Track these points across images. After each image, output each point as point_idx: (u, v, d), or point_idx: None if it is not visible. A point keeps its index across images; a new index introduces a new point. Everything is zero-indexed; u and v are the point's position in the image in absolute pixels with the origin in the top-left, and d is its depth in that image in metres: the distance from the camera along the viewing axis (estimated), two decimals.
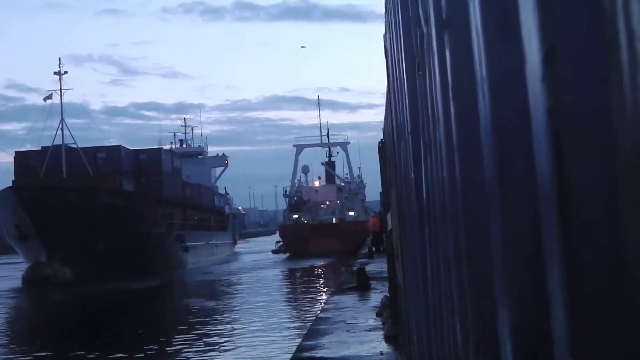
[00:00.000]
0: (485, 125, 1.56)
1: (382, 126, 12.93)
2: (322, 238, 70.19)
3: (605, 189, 0.94)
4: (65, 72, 57.46)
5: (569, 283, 1.03)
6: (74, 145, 56.15)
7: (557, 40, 1.04)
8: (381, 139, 13.42)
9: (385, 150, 11.81)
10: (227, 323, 24.82)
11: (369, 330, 12.98)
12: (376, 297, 17.72)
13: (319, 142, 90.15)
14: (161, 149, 66.26)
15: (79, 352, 19.65)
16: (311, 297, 32.34)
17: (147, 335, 22.52)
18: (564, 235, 1.03)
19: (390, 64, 6.96)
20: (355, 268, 26.06)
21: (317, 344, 11.85)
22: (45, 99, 56.75)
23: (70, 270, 45.19)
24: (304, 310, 26.57)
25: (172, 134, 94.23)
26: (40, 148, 56.57)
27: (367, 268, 24.13)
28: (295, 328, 21.61)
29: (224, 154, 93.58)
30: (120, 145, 59.28)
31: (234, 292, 38.53)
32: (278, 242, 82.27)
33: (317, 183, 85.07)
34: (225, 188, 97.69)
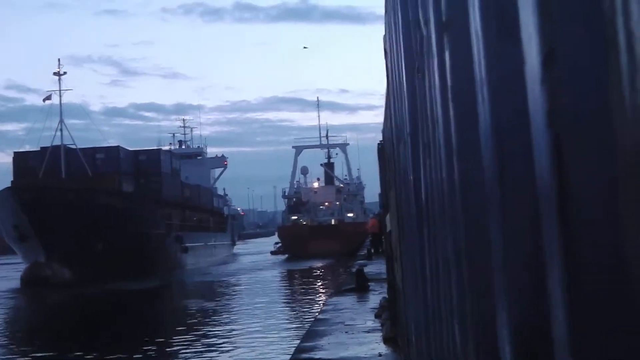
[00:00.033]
0: (485, 127, 1.56)
1: (382, 128, 12.94)
2: (321, 239, 70.16)
3: (605, 189, 0.95)
4: (65, 73, 57.52)
5: (569, 283, 1.03)
6: (73, 146, 56.15)
7: (556, 42, 1.05)
8: (380, 141, 13.43)
9: (384, 151, 11.82)
10: (226, 324, 24.81)
11: (368, 332, 12.98)
12: (375, 299, 17.72)
13: (318, 143, 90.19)
14: (160, 149, 66.25)
15: (78, 353, 19.63)
16: (310, 299, 32.33)
17: (146, 335, 22.50)
18: (564, 236, 1.04)
19: (389, 66, 6.96)
20: (354, 269, 26.06)
21: (315, 345, 11.85)
22: (44, 100, 56.77)
23: (69, 270, 45.17)
24: (303, 312, 26.56)
25: (172, 135, 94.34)
26: (39, 148, 56.55)
27: (366, 269, 24.14)
28: (293, 329, 21.60)
29: (223, 155, 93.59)
30: (119, 146, 59.27)
31: (233, 293, 38.51)
32: (277, 243, 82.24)
33: (316, 184, 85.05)
34: (224, 189, 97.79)
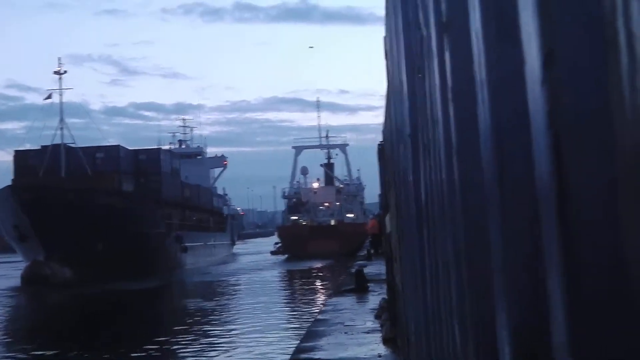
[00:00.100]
0: (485, 128, 1.56)
1: (382, 128, 12.94)
2: (320, 240, 70.19)
3: (605, 190, 0.95)
4: (65, 72, 57.54)
5: (568, 284, 1.03)
6: (73, 145, 56.18)
7: (556, 43, 1.05)
8: (380, 141, 13.43)
9: (384, 152, 11.82)
10: (226, 324, 24.82)
11: (367, 333, 12.98)
12: (374, 299, 17.73)
13: (318, 143, 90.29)
14: (160, 149, 66.26)
15: (78, 352, 19.64)
16: (309, 299, 32.34)
17: (146, 335, 22.51)
18: (564, 237, 1.04)
19: (390, 67, 6.97)
20: (353, 270, 26.06)
21: (315, 345, 11.85)
22: (45, 99, 56.81)
23: (69, 270, 45.18)
24: (302, 312, 26.57)
25: (171, 135, 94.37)
26: (39, 147, 56.59)
27: (366, 270, 24.15)
28: (293, 329, 21.61)
29: (222, 155, 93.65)
30: (119, 145, 59.29)
31: (233, 293, 38.52)
32: (277, 243, 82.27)
33: (316, 185, 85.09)
34: (224, 189, 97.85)
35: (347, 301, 18.70)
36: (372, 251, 39.39)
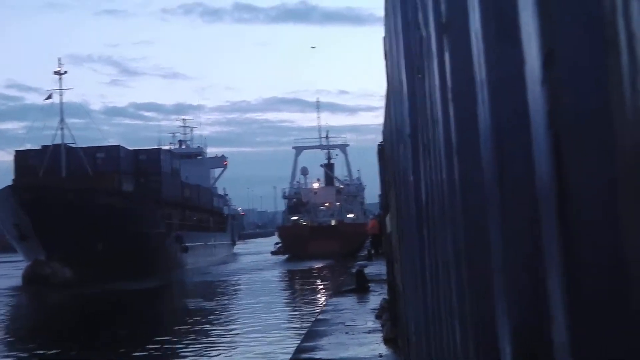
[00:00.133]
0: (485, 128, 1.56)
1: (381, 129, 12.94)
2: (320, 240, 70.18)
3: (605, 190, 0.95)
4: (65, 72, 57.59)
5: (568, 284, 1.03)
6: (74, 145, 56.20)
7: (556, 43, 1.05)
8: (380, 142, 13.44)
9: (384, 152, 11.82)
10: (226, 324, 24.82)
11: (368, 332, 12.98)
12: (375, 300, 17.73)
13: (318, 144, 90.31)
14: (160, 149, 66.26)
15: (78, 352, 19.65)
16: (310, 299, 32.34)
17: (146, 335, 22.51)
18: (564, 237, 1.04)
19: (389, 67, 6.97)
20: (354, 270, 26.06)
21: (315, 345, 11.85)
22: (45, 99, 56.83)
23: (69, 270, 45.20)
24: (303, 312, 26.57)
25: (172, 135, 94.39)
26: (40, 147, 56.61)
27: (366, 270, 24.15)
28: (294, 329, 21.61)
29: (223, 155, 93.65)
30: (119, 145, 59.30)
31: (233, 293, 38.53)
32: (277, 243, 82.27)
33: (316, 185, 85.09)
34: (224, 189, 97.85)
35: (347, 301, 18.70)
36: (372, 251, 39.38)
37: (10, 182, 51.55)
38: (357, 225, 71.32)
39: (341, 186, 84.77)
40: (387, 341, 11.66)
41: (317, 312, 20.23)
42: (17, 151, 57.35)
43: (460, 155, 2.03)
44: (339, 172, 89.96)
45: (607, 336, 0.96)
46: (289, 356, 11.81)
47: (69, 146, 55.82)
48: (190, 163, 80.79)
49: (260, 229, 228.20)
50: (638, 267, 0.87)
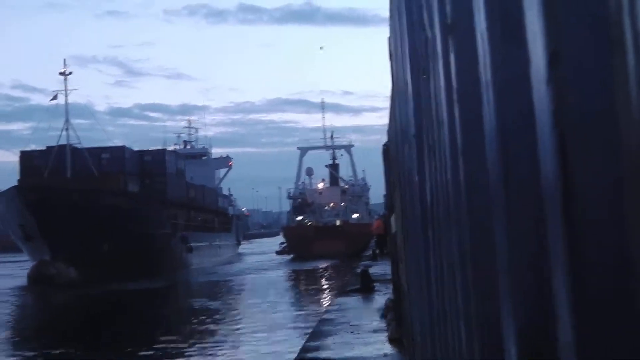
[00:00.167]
0: (490, 128, 1.56)
1: (386, 129, 12.94)
2: (325, 240, 70.15)
3: (610, 190, 0.95)
4: (70, 73, 57.65)
5: (574, 284, 1.03)
6: (79, 146, 56.27)
7: (561, 43, 1.05)
8: (385, 142, 13.43)
9: (389, 153, 11.82)
10: (231, 323, 24.84)
11: (373, 332, 12.98)
12: (380, 299, 17.71)
13: (323, 144, 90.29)
14: (165, 150, 66.31)
15: (83, 352, 19.68)
16: (315, 299, 32.34)
17: (151, 335, 22.54)
18: (569, 236, 1.04)
19: (394, 68, 6.97)
20: (359, 270, 26.05)
21: (321, 344, 11.85)
22: (51, 100, 56.94)
23: (74, 270, 45.27)
24: (308, 312, 26.57)
25: (177, 135, 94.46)
26: (45, 148, 56.69)
27: (371, 270, 24.13)
28: (299, 329, 21.61)
29: (227, 156, 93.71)
30: (124, 146, 59.33)
31: (238, 292, 38.55)
32: (282, 243, 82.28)
33: (321, 185, 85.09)
34: (229, 189, 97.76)
35: (352, 301, 18.69)
36: (377, 251, 39.35)
37: (15, 183, 51.65)
38: (362, 225, 71.28)
39: (346, 186, 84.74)
40: (392, 341, 11.65)
41: (322, 311, 20.23)
42: (22, 152, 57.45)
43: (466, 155, 2.03)
44: (344, 172, 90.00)
45: (612, 336, 0.96)
46: (294, 356, 11.80)
47: (74, 147, 55.90)
48: (195, 163, 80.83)
49: (265, 229, 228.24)
50: None
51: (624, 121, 0.90)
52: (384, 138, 14.73)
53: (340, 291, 23.34)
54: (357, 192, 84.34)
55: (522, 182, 1.33)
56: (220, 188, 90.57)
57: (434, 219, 3.33)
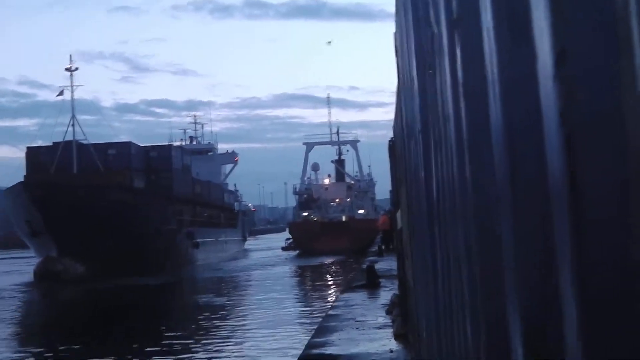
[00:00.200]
0: (497, 125, 1.56)
1: (392, 125, 12.92)
2: (331, 236, 70.10)
3: (617, 189, 0.95)
4: (77, 69, 57.68)
5: (579, 282, 1.03)
6: (85, 142, 56.36)
7: (569, 40, 1.05)
8: (391, 137, 13.42)
9: (395, 148, 11.80)
10: (237, 319, 24.88)
11: (379, 328, 12.98)
12: (386, 295, 17.71)
13: (328, 140, 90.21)
14: (171, 145, 66.31)
15: (91, 348, 19.73)
16: (321, 294, 32.36)
17: (157, 330, 22.59)
18: (575, 235, 1.04)
19: (400, 63, 6.96)
20: (364, 266, 26.05)
21: (326, 340, 11.85)
22: (57, 96, 57.04)
23: (81, 266, 45.39)
24: (314, 307, 26.59)
25: (182, 131, 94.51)
26: (51, 144, 56.78)
27: (377, 266, 24.11)
28: (304, 325, 21.63)
29: (233, 151, 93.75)
30: (130, 142, 59.38)
31: (244, 288, 38.60)
32: (288, 239, 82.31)
33: (327, 181, 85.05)
34: (235, 185, 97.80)
35: (358, 297, 18.70)
36: (383, 247, 39.33)
37: (22, 179, 51.77)
38: (367, 221, 71.19)
39: (352, 182, 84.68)
40: (397, 337, 11.65)
41: (327, 307, 20.24)
42: (28, 148, 57.55)
43: (472, 152, 2.03)
44: (350, 168, 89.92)
45: (618, 334, 0.96)
46: (300, 351, 11.81)
47: (80, 143, 55.98)
48: (201, 159, 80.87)
49: (271, 225, 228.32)
50: None
51: (631, 120, 0.90)
52: (390, 133, 14.71)
53: (346, 287, 23.35)
54: (363, 188, 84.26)
55: (529, 180, 1.32)
56: (226, 184, 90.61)
57: (440, 215, 3.33)
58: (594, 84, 0.99)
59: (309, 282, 41.96)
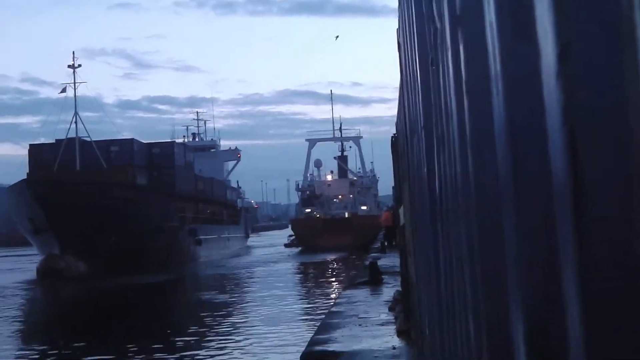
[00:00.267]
0: (499, 122, 1.56)
1: (395, 121, 12.91)
2: (334, 232, 70.12)
3: (620, 186, 0.94)
4: (79, 66, 57.64)
5: (583, 280, 1.03)
6: (88, 139, 56.37)
7: (572, 37, 1.04)
8: (394, 134, 13.41)
9: (398, 144, 11.80)
10: (240, 316, 24.90)
11: (381, 325, 12.97)
12: (388, 292, 17.71)
13: (331, 136, 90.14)
14: (174, 142, 66.33)
15: (93, 346, 19.76)
16: (323, 291, 32.39)
17: (160, 328, 22.63)
18: (579, 232, 1.03)
19: (403, 59, 6.95)
20: (367, 262, 26.06)
21: (329, 337, 11.85)
22: (60, 93, 57.07)
23: (83, 263, 45.45)
24: (316, 304, 26.61)
25: (185, 128, 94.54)
26: (54, 141, 56.83)
27: (380, 262, 24.12)
28: (307, 321, 21.65)
29: (236, 148, 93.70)
30: (133, 139, 59.38)
31: (246, 285, 38.63)
32: (290, 236, 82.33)
33: (329, 177, 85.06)
34: (237, 182, 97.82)
35: (361, 293, 18.70)
36: (385, 244, 39.34)
37: (24, 176, 51.83)
38: (370, 217, 71.18)
39: (354, 178, 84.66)
40: (400, 333, 11.64)
41: (330, 304, 20.25)
42: (31, 145, 57.59)
43: (475, 148, 2.02)
44: (353, 164, 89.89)
45: (621, 332, 0.95)
46: (302, 348, 11.82)
47: (83, 140, 56.01)
48: (204, 156, 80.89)
49: (274, 222, 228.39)
50: None
51: (634, 116, 0.89)
52: (393, 129, 14.71)
53: (348, 284, 23.36)
54: (365, 184, 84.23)
55: (532, 178, 1.32)
56: (229, 180, 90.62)
57: (442, 212, 3.33)
58: (597, 80, 0.98)
59: (311, 278, 41.98)
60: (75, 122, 55.94)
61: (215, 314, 25.53)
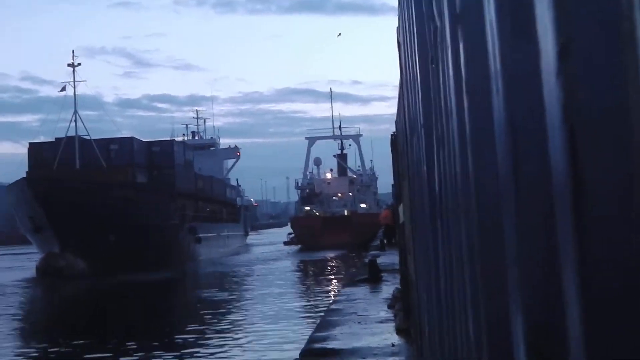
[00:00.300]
0: (499, 121, 1.55)
1: (394, 119, 12.91)
2: (333, 230, 70.19)
3: (621, 186, 0.94)
4: (79, 64, 57.71)
5: (583, 280, 1.02)
6: (87, 137, 56.38)
7: (572, 35, 1.04)
8: (393, 132, 13.41)
9: (397, 142, 11.80)
10: (239, 314, 24.92)
11: (381, 322, 12.98)
12: (388, 290, 17.72)
13: (331, 134, 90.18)
14: (174, 141, 66.35)
15: (93, 344, 19.76)
16: (323, 289, 32.40)
17: (160, 326, 22.64)
18: (579, 232, 1.03)
19: (403, 57, 6.94)
20: (367, 260, 26.06)
21: (328, 335, 11.86)
22: (60, 91, 57.07)
23: (83, 262, 45.47)
24: (316, 302, 26.62)
25: (185, 126, 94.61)
26: (54, 139, 56.83)
27: (379, 260, 24.13)
28: (306, 319, 21.66)
29: (236, 146, 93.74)
30: (133, 137, 59.38)
31: (246, 283, 38.65)
32: (290, 234, 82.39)
33: (329, 175, 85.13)
34: (237, 180, 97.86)
35: (360, 291, 18.70)
36: (385, 242, 39.36)
37: (24, 175, 51.84)
38: (370, 215, 71.22)
39: (354, 176, 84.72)
40: (399, 331, 11.65)
41: (330, 302, 20.26)
42: (31, 144, 57.60)
43: (474, 147, 2.02)
44: (352, 162, 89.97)
45: (622, 333, 0.95)
46: (302, 346, 11.82)
47: (83, 138, 56.03)
48: (204, 154, 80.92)
49: (274, 220, 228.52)
50: None
51: (635, 115, 0.89)
52: (392, 127, 14.71)
53: (348, 281, 23.37)
54: (365, 182, 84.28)
55: (532, 177, 1.31)
56: (229, 179, 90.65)
57: (442, 211, 3.32)
58: (597, 79, 0.98)
59: (311, 276, 42.01)
60: (75, 121, 55.99)
61: (215, 311, 25.54)
